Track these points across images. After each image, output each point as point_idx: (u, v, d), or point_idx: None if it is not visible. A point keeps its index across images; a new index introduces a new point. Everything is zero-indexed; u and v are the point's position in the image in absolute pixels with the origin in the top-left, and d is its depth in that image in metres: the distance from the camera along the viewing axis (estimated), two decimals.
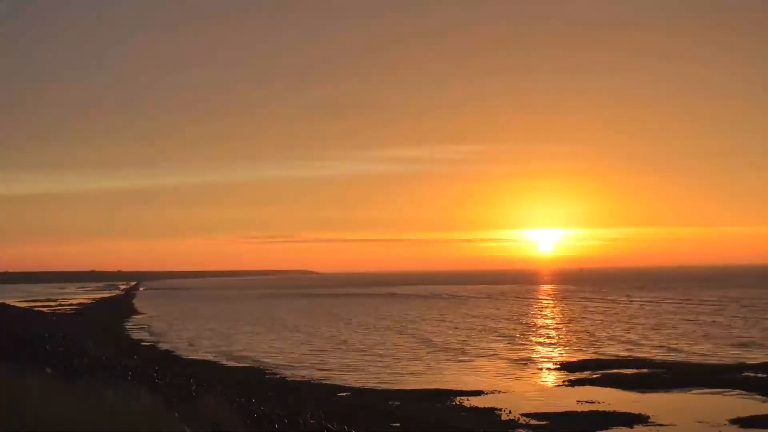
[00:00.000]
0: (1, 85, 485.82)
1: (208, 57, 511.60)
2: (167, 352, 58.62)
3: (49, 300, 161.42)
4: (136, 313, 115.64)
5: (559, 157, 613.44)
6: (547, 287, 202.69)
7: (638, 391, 36.00)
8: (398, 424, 28.57)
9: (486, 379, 41.79)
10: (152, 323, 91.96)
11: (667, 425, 28.57)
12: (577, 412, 31.53)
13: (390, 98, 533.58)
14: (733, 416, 29.92)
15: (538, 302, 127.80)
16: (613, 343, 59.45)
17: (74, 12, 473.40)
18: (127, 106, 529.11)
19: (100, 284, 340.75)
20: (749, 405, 32.46)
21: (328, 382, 41.60)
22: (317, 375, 44.44)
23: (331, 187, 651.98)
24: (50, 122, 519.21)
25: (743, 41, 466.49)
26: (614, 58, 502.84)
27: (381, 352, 56.27)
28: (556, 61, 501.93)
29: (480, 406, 33.27)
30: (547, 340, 63.37)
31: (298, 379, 43.02)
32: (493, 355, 53.33)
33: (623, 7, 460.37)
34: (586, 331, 70.47)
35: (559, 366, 46.47)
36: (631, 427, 28.40)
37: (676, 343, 57.47)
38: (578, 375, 42.11)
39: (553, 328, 74.93)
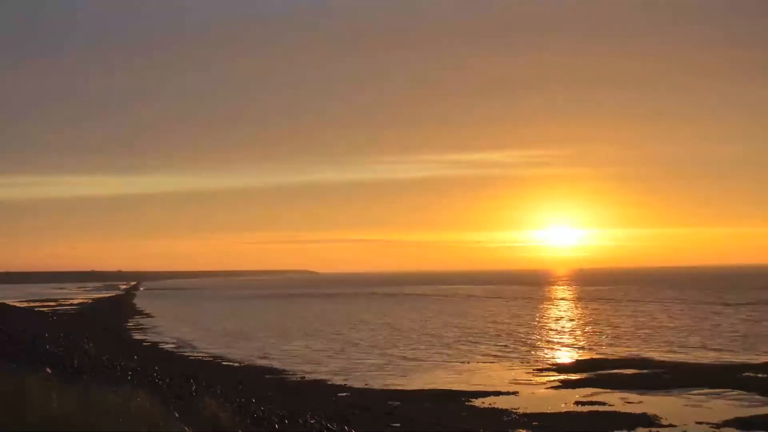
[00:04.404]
0: (7, 96, 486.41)
1: (208, 61, 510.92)
2: (167, 352, 58.60)
3: (49, 300, 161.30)
4: (137, 313, 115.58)
5: (578, 164, 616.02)
6: (552, 288, 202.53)
7: (638, 392, 35.97)
8: (398, 424, 28.55)
9: (486, 379, 41.77)
10: (152, 323, 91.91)
11: (667, 426, 28.55)
12: (577, 412, 31.52)
13: (392, 107, 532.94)
14: (733, 416, 29.92)
15: (541, 303, 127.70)
16: (612, 343, 59.43)
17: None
18: (125, 111, 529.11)
19: (100, 284, 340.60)
20: (749, 405, 32.45)
21: (328, 382, 41.59)
22: (317, 375, 44.43)
23: (332, 189, 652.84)
24: (48, 127, 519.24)
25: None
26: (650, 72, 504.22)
27: (382, 352, 56.24)
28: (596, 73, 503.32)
29: (480, 406, 33.27)
30: (548, 341, 63.35)
31: (298, 379, 43.02)
32: (494, 355, 53.31)
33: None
34: (586, 332, 70.47)
35: (559, 367, 46.45)
36: (631, 427, 28.35)
37: (677, 344, 57.45)
38: (578, 376, 42.09)
39: (554, 329, 74.89)
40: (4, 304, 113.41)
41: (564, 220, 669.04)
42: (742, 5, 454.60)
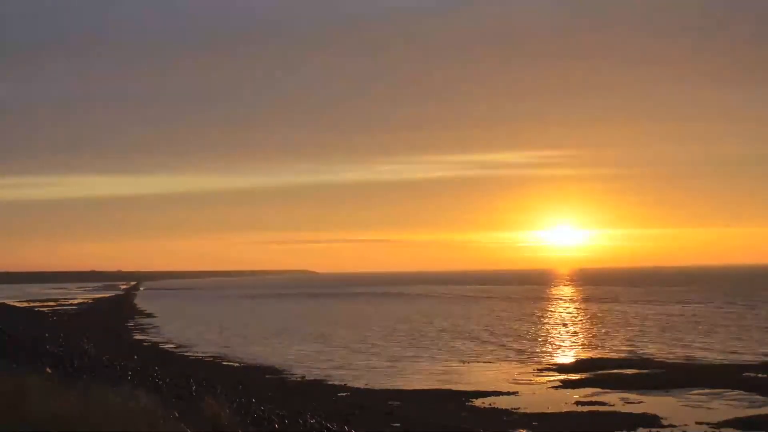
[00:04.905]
0: (7, 97, 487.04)
1: (208, 62, 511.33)
2: (167, 352, 58.62)
3: (49, 300, 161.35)
4: (137, 313, 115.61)
5: (581, 165, 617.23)
6: (553, 288, 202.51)
7: (638, 392, 35.97)
8: (398, 424, 28.56)
9: (486, 379, 41.77)
10: (153, 323, 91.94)
11: (667, 426, 28.55)
12: (577, 412, 31.52)
13: (393, 110, 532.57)
14: (733, 416, 29.92)
15: (542, 303, 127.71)
16: (613, 343, 59.44)
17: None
18: (125, 112, 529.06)
19: (100, 284, 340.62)
20: (749, 405, 32.46)
21: (328, 382, 41.60)
22: (317, 375, 44.44)
23: (332, 189, 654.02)
24: (49, 128, 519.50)
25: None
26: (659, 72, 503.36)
27: (381, 352, 56.25)
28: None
29: (480, 406, 33.28)
30: (548, 341, 63.37)
31: (298, 379, 43.04)
32: (494, 355, 53.32)
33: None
34: (586, 332, 70.50)
35: (559, 366, 46.45)
36: (631, 427, 28.34)
37: (677, 344, 57.47)
38: (578, 376, 42.09)
39: (555, 329, 74.92)
40: (4, 304, 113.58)
41: (566, 220, 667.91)
42: (742, 9, 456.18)
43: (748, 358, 48.46)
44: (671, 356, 50.07)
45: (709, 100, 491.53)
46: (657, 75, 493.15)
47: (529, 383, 40.13)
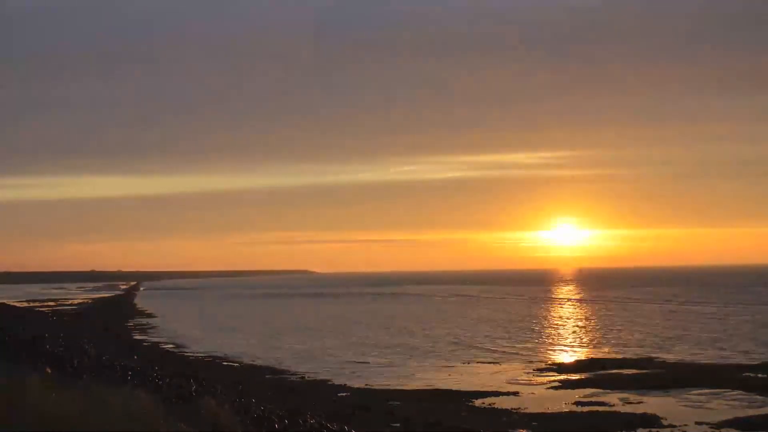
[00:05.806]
0: (7, 98, 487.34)
1: (209, 63, 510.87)
2: (167, 352, 58.61)
3: (49, 300, 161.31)
4: (137, 313, 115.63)
5: (579, 165, 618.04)
6: (553, 288, 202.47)
7: (638, 392, 35.97)
8: (398, 424, 28.57)
9: (486, 379, 41.79)
10: (153, 323, 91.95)
11: (667, 426, 28.56)
12: (577, 412, 31.53)
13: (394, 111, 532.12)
14: (733, 416, 29.93)
15: (542, 303, 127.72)
16: (613, 343, 59.46)
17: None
18: (126, 113, 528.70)
19: (100, 284, 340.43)
20: (749, 405, 32.47)
21: (328, 382, 41.61)
22: (317, 375, 44.45)
23: (332, 190, 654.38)
24: (49, 129, 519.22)
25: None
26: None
27: (381, 352, 56.27)
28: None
29: (480, 406, 33.29)
30: (548, 341, 63.39)
31: (298, 379, 43.04)
32: (494, 355, 53.33)
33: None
34: (586, 332, 70.51)
35: (559, 366, 46.47)
36: (631, 427, 28.34)
37: (676, 344, 57.48)
38: (578, 376, 42.11)
39: (554, 329, 74.93)
40: (4, 304, 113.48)
41: (569, 220, 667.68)
42: (742, 12, 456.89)
43: (747, 358, 48.45)
44: (671, 356, 50.08)
45: (711, 102, 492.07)
46: (660, 77, 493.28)
47: (529, 383, 40.13)
